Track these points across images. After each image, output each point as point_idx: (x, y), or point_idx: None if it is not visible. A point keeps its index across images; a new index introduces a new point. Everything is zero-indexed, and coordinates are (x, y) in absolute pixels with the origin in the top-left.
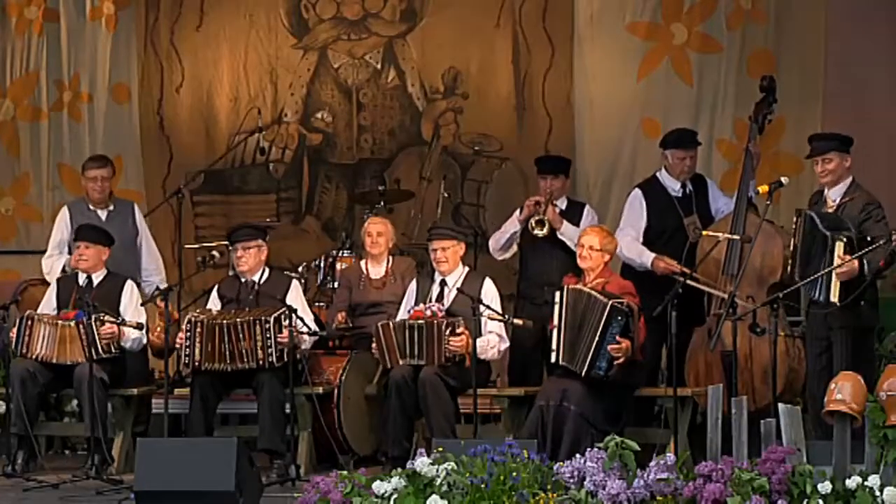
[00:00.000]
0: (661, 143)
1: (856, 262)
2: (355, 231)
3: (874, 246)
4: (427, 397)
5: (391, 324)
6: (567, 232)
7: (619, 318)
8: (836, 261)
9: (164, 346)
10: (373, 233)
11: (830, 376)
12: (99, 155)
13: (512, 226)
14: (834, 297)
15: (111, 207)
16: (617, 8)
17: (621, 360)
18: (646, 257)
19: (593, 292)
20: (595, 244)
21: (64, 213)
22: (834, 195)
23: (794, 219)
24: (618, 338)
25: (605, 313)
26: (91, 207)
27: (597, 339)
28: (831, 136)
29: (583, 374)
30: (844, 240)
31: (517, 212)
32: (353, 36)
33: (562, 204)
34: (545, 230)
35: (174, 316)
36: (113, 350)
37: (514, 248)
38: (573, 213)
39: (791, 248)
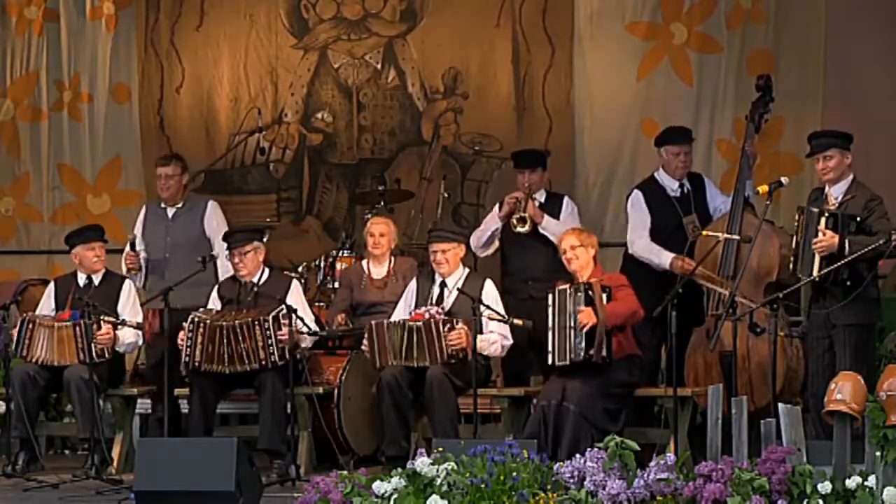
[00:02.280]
0: (655, 142)
1: (836, 238)
2: (356, 231)
3: (874, 246)
4: (433, 396)
5: (385, 323)
6: (549, 226)
7: (578, 294)
8: (819, 235)
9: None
10: (375, 233)
11: (833, 375)
12: (171, 153)
13: (493, 222)
14: (815, 272)
15: (180, 205)
16: (617, 8)
17: (586, 324)
18: (664, 258)
19: (565, 286)
20: (574, 242)
21: (142, 213)
22: (836, 192)
23: (797, 216)
24: (579, 308)
25: (569, 296)
26: (162, 206)
27: (568, 322)
28: (832, 134)
29: (568, 360)
30: (826, 214)
31: (496, 208)
32: (354, 36)
33: (540, 197)
34: (527, 226)
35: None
36: (107, 355)
37: (496, 244)
38: (552, 205)
39: (794, 244)
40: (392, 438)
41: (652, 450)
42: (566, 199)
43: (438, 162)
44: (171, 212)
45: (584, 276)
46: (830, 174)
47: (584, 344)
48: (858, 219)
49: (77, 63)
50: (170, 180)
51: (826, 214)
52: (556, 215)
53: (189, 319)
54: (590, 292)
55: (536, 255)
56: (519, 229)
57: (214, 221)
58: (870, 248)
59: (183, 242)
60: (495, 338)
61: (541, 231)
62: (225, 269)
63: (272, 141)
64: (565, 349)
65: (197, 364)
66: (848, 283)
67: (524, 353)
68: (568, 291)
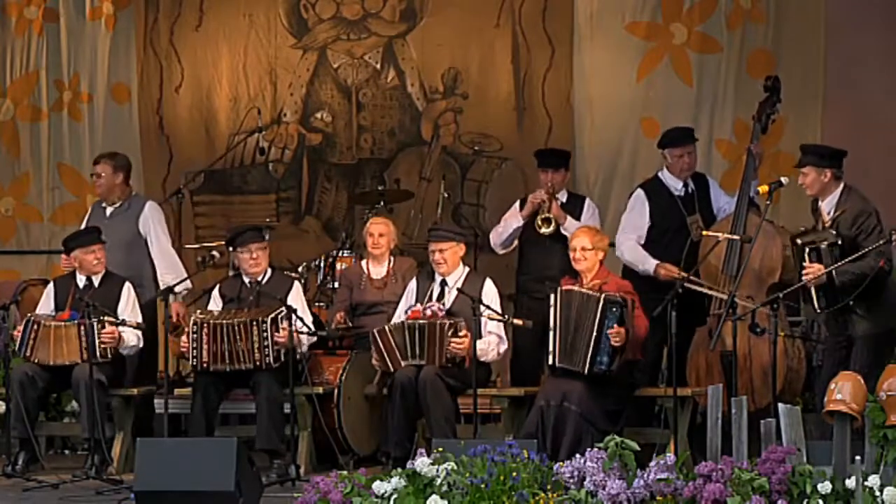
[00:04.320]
0: (658, 144)
1: (822, 269)
2: (356, 231)
3: (860, 273)
4: (427, 397)
5: (387, 328)
6: (570, 227)
7: (614, 308)
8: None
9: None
10: (374, 233)
11: None
12: (109, 151)
13: (515, 220)
14: (817, 307)
15: (117, 205)
16: (617, 8)
17: (620, 343)
18: (649, 264)
19: (585, 290)
20: (587, 244)
21: (88, 212)
22: (826, 207)
23: (791, 248)
24: (615, 326)
25: (600, 307)
26: (103, 205)
27: (594, 334)
28: (811, 150)
29: (585, 371)
30: (807, 249)
31: (516, 205)
32: (353, 36)
33: (562, 197)
34: (552, 228)
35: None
36: (109, 355)
37: (515, 242)
38: (574, 207)
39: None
40: (398, 441)
41: (652, 450)
42: (588, 200)
43: (438, 162)
44: (109, 211)
45: (589, 278)
46: (808, 190)
47: (606, 359)
48: (840, 242)
49: (77, 63)
50: (99, 179)
51: (807, 249)
52: (577, 216)
53: (192, 321)
54: (624, 310)
55: (555, 255)
56: (544, 230)
57: (150, 222)
58: (857, 274)
59: (116, 242)
60: (493, 345)
61: (563, 232)
62: (165, 270)
63: (272, 141)
64: (571, 354)
65: (205, 364)
66: (857, 311)
67: (533, 352)
68: (599, 303)
